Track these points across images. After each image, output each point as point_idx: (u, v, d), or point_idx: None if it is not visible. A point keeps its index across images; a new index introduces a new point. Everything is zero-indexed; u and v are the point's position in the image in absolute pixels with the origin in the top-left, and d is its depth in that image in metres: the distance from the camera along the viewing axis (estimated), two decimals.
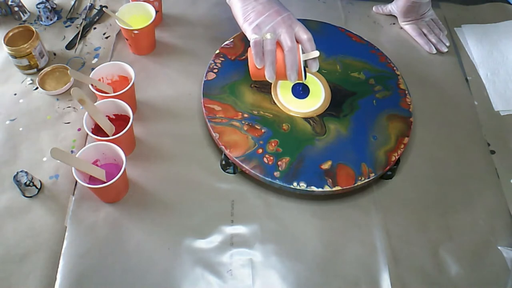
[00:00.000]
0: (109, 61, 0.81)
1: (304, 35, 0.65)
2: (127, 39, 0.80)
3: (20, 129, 0.73)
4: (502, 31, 0.92)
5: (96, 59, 0.82)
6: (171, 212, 0.65)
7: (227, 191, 0.67)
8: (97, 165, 0.64)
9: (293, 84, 0.73)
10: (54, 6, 0.89)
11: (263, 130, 0.68)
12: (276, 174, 0.64)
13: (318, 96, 0.73)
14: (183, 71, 0.81)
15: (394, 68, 0.78)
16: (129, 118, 0.65)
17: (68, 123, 0.74)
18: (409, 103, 0.73)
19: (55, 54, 0.83)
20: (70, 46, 0.84)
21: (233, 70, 0.75)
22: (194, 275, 0.60)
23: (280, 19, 0.64)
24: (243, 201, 0.66)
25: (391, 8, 0.92)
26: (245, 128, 0.68)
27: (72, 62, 0.82)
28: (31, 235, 0.62)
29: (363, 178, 0.64)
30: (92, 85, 0.69)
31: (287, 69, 0.64)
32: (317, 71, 0.74)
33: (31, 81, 0.79)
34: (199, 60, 0.81)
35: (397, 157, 0.67)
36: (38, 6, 0.86)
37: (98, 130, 0.66)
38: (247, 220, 0.65)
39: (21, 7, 0.87)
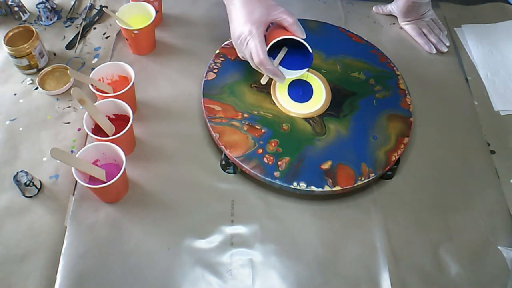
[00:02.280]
0: (109, 61, 0.81)
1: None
2: (127, 39, 0.80)
3: (20, 129, 0.73)
4: (502, 31, 0.92)
5: (96, 59, 0.82)
6: (171, 212, 0.65)
7: (227, 191, 0.67)
8: (97, 165, 0.64)
9: (291, 88, 0.73)
10: (54, 6, 0.89)
11: (263, 130, 0.68)
12: (276, 174, 0.64)
13: (318, 96, 0.73)
14: (183, 71, 0.81)
15: (394, 68, 0.78)
16: (129, 118, 0.65)
17: (68, 123, 0.74)
18: (409, 103, 0.73)
19: (55, 54, 0.83)
20: (70, 46, 0.84)
21: (233, 70, 0.75)
22: (194, 275, 0.60)
23: (248, 36, 0.63)
24: (243, 201, 0.66)
25: (391, 8, 0.92)
26: (245, 128, 0.68)
27: (72, 62, 0.82)
28: (31, 235, 0.62)
29: (363, 178, 0.64)
30: (92, 85, 0.69)
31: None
32: (317, 71, 0.75)
33: (31, 81, 0.79)
34: (199, 60, 0.81)
35: (397, 157, 0.67)
36: (38, 6, 0.86)
37: (98, 130, 0.66)
38: (247, 220, 0.65)
39: (21, 7, 0.87)
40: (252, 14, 0.63)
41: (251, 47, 0.63)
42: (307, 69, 0.68)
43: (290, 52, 0.70)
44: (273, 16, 0.64)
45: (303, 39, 0.64)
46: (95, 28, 0.88)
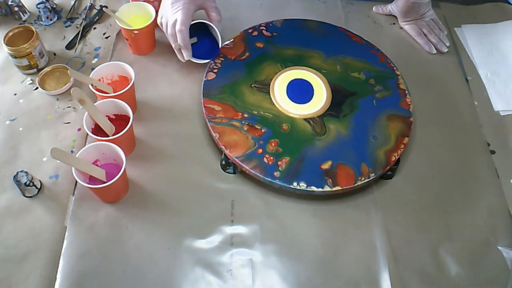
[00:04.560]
0: (109, 61, 0.81)
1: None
2: (127, 39, 0.80)
3: (20, 129, 0.73)
4: (502, 31, 0.92)
5: (96, 59, 0.82)
6: (171, 212, 0.65)
7: (227, 191, 0.67)
8: (97, 165, 0.64)
9: (291, 89, 0.73)
10: (54, 6, 0.89)
11: (263, 130, 0.68)
12: (276, 174, 0.64)
13: (319, 97, 0.73)
14: (183, 71, 0.81)
15: (394, 68, 0.78)
16: (129, 118, 0.65)
17: (68, 123, 0.74)
18: (409, 103, 0.73)
19: (55, 54, 0.83)
20: (70, 46, 0.84)
21: (233, 70, 0.75)
22: (194, 275, 0.60)
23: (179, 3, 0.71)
24: (243, 201, 0.66)
25: (391, 8, 0.92)
26: (245, 128, 0.68)
27: (72, 62, 0.82)
28: (31, 235, 0.62)
29: (363, 178, 0.64)
30: (92, 85, 0.69)
31: None
32: (318, 71, 0.75)
33: (31, 81, 0.79)
34: None
35: (397, 157, 0.67)
36: (38, 6, 0.86)
37: (98, 130, 0.66)
38: (247, 220, 0.65)
39: (21, 7, 0.87)
40: None
41: (178, 14, 0.70)
42: (207, 60, 0.76)
43: (203, 43, 0.78)
44: (206, 3, 0.74)
45: (218, 38, 0.74)
46: (95, 28, 0.88)
